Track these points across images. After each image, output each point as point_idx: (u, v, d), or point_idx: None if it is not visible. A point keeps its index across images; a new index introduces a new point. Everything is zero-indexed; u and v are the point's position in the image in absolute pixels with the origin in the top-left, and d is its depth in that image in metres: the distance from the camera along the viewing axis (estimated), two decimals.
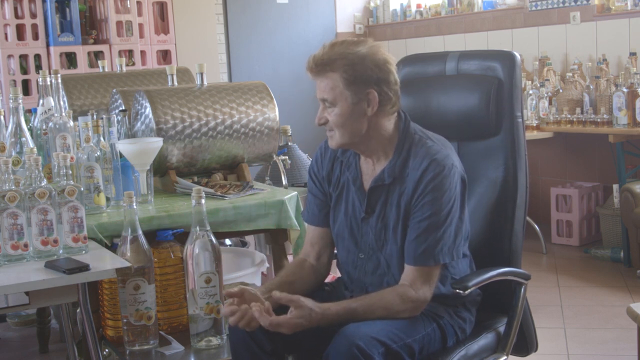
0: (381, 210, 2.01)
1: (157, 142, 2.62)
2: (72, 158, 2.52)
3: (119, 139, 2.69)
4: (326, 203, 2.16)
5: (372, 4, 7.04)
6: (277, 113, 2.95)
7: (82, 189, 2.20)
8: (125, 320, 2.28)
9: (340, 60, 1.93)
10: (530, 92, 5.00)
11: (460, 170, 1.97)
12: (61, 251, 2.11)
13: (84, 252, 2.13)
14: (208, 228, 2.25)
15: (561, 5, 5.29)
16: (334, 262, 2.22)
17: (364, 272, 2.05)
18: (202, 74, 2.92)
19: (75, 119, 2.78)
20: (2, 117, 2.72)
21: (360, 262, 2.06)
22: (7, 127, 2.66)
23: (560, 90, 4.99)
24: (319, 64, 1.96)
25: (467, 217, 2.05)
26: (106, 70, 4.16)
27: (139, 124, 2.88)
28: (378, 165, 2.02)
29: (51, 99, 2.83)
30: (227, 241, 4.25)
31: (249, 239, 4.32)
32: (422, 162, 1.94)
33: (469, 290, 1.96)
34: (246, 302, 1.92)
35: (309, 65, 1.99)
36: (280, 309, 1.92)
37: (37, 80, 3.65)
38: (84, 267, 1.97)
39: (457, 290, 1.96)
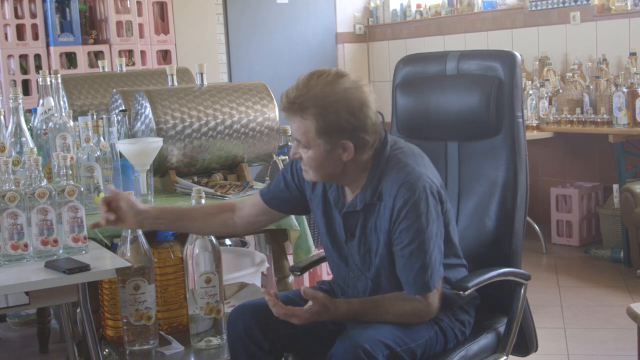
0: (361, 235, 1.97)
1: (157, 142, 2.62)
2: (72, 158, 2.52)
3: (119, 139, 2.69)
4: (292, 198, 2.11)
5: (372, 4, 7.04)
6: (277, 113, 2.95)
7: (82, 189, 2.20)
8: (125, 320, 2.28)
9: (312, 107, 1.82)
10: (530, 92, 5.00)
11: (434, 187, 1.89)
12: (61, 251, 2.11)
13: (84, 252, 2.13)
14: None
15: (561, 5, 5.29)
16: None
17: (355, 290, 2.05)
18: (202, 74, 2.92)
19: (75, 119, 2.78)
20: (2, 117, 2.72)
21: (351, 281, 2.05)
22: (7, 127, 2.66)
23: (560, 90, 4.99)
24: (291, 106, 1.85)
25: (455, 230, 2.03)
26: (106, 70, 4.16)
27: (139, 124, 2.88)
28: (355, 190, 1.97)
29: (51, 99, 2.83)
30: (227, 241, 4.25)
31: (249, 239, 4.32)
32: (392, 187, 1.88)
33: (469, 291, 1.96)
34: (116, 206, 2.05)
35: (282, 104, 1.88)
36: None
37: (37, 80, 3.65)
38: (84, 267, 1.97)
39: (457, 292, 1.96)
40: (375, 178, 1.92)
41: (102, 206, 2.08)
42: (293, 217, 2.63)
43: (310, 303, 1.88)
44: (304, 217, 2.69)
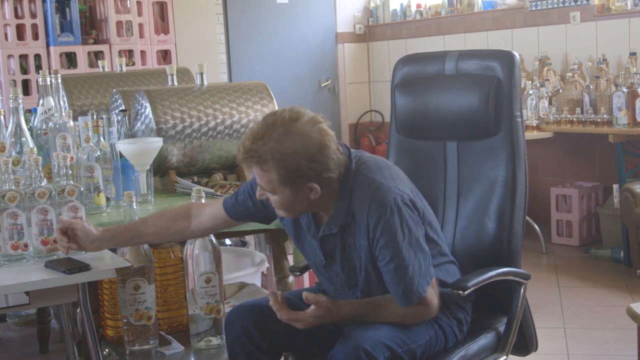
0: (342, 256, 1.96)
1: (157, 142, 2.62)
2: (72, 158, 2.52)
3: (119, 139, 2.69)
4: (258, 213, 2.10)
5: (372, 4, 7.04)
6: None
7: (82, 189, 2.21)
8: (125, 320, 2.28)
9: (271, 160, 1.79)
10: (530, 92, 5.00)
11: (405, 197, 1.88)
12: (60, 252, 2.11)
13: (83, 252, 2.13)
14: None
15: (561, 5, 5.29)
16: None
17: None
18: (202, 74, 2.93)
19: (75, 119, 2.77)
20: (2, 117, 2.72)
21: (341, 297, 2.04)
22: (7, 127, 2.66)
23: (560, 90, 4.99)
24: (249, 158, 1.83)
25: (438, 230, 2.01)
26: (106, 70, 4.16)
27: (139, 124, 2.88)
28: (328, 212, 1.96)
29: (51, 99, 2.83)
30: (227, 241, 4.25)
31: (249, 239, 4.32)
32: (363, 205, 1.86)
33: (469, 291, 1.96)
34: (72, 234, 2.04)
35: (239, 156, 1.85)
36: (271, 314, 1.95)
37: (37, 80, 3.65)
38: (84, 267, 1.97)
39: (457, 291, 1.96)
40: (346, 198, 1.90)
41: (61, 237, 2.05)
42: None
43: (312, 307, 1.88)
44: None
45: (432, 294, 1.92)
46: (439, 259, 2.03)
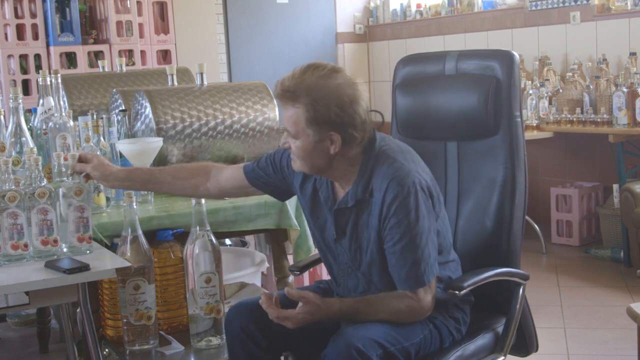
0: (353, 232, 1.97)
1: (157, 142, 2.62)
2: None
3: (119, 139, 2.69)
4: (276, 184, 2.15)
5: (372, 4, 7.04)
6: (277, 113, 2.95)
7: (88, 188, 2.21)
8: (125, 320, 2.28)
9: (304, 96, 1.85)
10: (530, 92, 5.00)
11: (423, 182, 1.90)
12: (65, 249, 2.12)
13: (88, 252, 2.13)
14: (208, 228, 2.25)
15: (561, 5, 5.29)
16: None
17: (347, 289, 2.05)
18: (202, 74, 2.93)
19: (75, 119, 2.77)
20: (2, 117, 2.72)
21: (342, 280, 2.05)
22: (7, 127, 2.66)
23: (560, 90, 4.99)
24: (283, 94, 1.89)
25: (446, 224, 2.02)
26: (106, 70, 4.16)
27: (139, 124, 2.88)
28: (346, 187, 1.98)
29: (51, 99, 2.83)
30: (227, 241, 4.25)
31: (249, 239, 4.32)
32: (382, 182, 1.89)
33: (464, 291, 1.95)
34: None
35: (275, 91, 1.92)
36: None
37: (37, 80, 3.65)
38: (84, 267, 1.97)
39: (453, 291, 1.95)
40: (366, 174, 1.93)
41: (78, 164, 2.18)
42: (293, 217, 2.63)
43: (300, 304, 1.88)
44: (304, 217, 2.69)
45: (428, 292, 1.91)
46: (446, 256, 2.03)
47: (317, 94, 1.85)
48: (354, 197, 1.94)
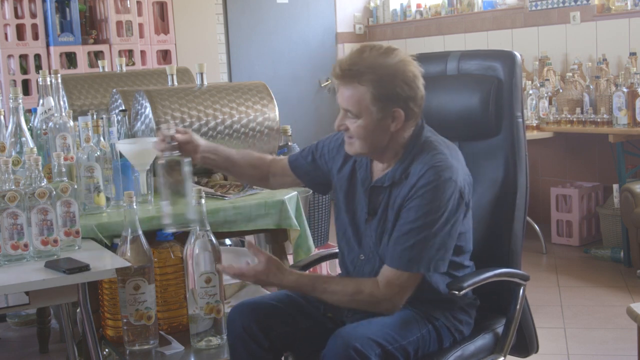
0: (383, 213, 1.98)
1: None
2: (72, 158, 2.52)
3: (119, 139, 2.69)
4: (315, 173, 2.19)
5: (372, 4, 7.05)
6: (277, 113, 2.95)
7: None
8: (125, 320, 2.28)
9: (369, 74, 1.87)
10: (530, 92, 5.00)
11: (460, 185, 1.90)
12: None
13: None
14: (208, 228, 2.25)
15: (561, 5, 5.30)
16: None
17: (361, 272, 2.05)
18: (202, 74, 2.92)
19: (75, 119, 2.77)
20: (2, 117, 2.72)
21: (359, 263, 2.05)
22: (7, 127, 2.66)
23: (560, 90, 4.99)
24: (346, 73, 1.90)
25: (470, 229, 2.02)
26: (106, 70, 4.16)
27: (139, 124, 2.88)
28: (386, 169, 2.00)
29: (51, 99, 2.83)
30: (227, 241, 4.25)
31: (249, 239, 4.31)
32: (422, 168, 1.90)
33: (464, 291, 1.95)
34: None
35: (335, 72, 1.93)
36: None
37: (37, 80, 3.65)
38: (84, 267, 1.97)
39: (453, 291, 1.95)
40: (409, 158, 1.95)
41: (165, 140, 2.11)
42: (293, 217, 2.63)
43: (256, 261, 1.95)
44: (303, 217, 2.69)
45: (396, 295, 1.90)
46: (462, 260, 2.02)
47: (382, 71, 1.87)
48: (391, 178, 1.96)
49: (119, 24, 5.48)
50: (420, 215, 1.86)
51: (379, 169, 2.02)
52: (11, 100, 2.59)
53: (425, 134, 1.98)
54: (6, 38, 5.19)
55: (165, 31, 5.86)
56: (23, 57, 5.29)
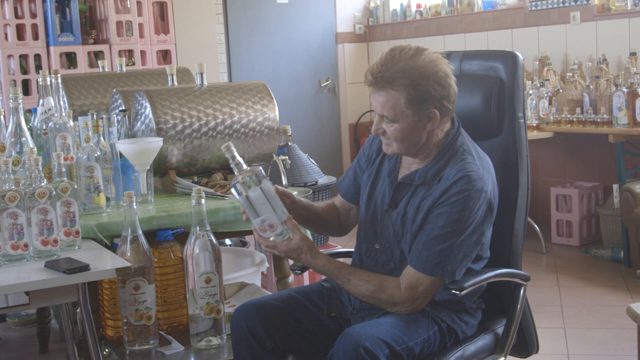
0: (403, 208, 2.00)
1: (157, 142, 2.62)
2: (72, 158, 2.52)
3: (119, 139, 2.69)
4: (359, 188, 2.20)
5: (372, 4, 7.04)
6: (277, 113, 2.95)
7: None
8: (125, 320, 2.28)
9: (401, 78, 1.88)
10: (530, 92, 5.00)
11: (489, 197, 1.93)
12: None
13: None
14: (208, 228, 2.25)
15: (561, 5, 5.30)
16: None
17: (375, 262, 2.06)
18: (202, 74, 2.92)
19: (75, 119, 2.77)
20: (2, 117, 2.72)
21: (373, 252, 2.07)
22: (7, 127, 2.66)
23: (560, 90, 4.99)
24: (378, 80, 1.91)
25: (487, 243, 2.04)
26: (106, 70, 4.16)
27: (139, 124, 2.88)
28: (417, 165, 2.02)
29: (51, 99, 2.83)
30: (227, 241, 4.25)
31: (249, 239, 4.32)
32: (456, 174, 1.91)
33: (465, 291, 1.95)
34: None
35: (367, 79, 1.93)
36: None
37: (37, 80, 3.65)
38: (84, 267, 1.97)
39: (454, 291, 1.95)
40: (442, 161, 1.96)
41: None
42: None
43: (291, 237, 1.95)
44: None
45: (431, 293, 1.92)
46: (478, 266, 2.04)
47: (414, 74, 1.88)
48: (422, 178, 1.97)
49: (119, 24, 5.48)
50: (450, 222, 1.89)
51: (408, 162, 2.04)
52: (11, 100, 2.59)
53: (462, 139, 2.00)
54: (6, 38, 5.19)
55: (165, 31, 5.86)
56: (23, 57, 5.29)
